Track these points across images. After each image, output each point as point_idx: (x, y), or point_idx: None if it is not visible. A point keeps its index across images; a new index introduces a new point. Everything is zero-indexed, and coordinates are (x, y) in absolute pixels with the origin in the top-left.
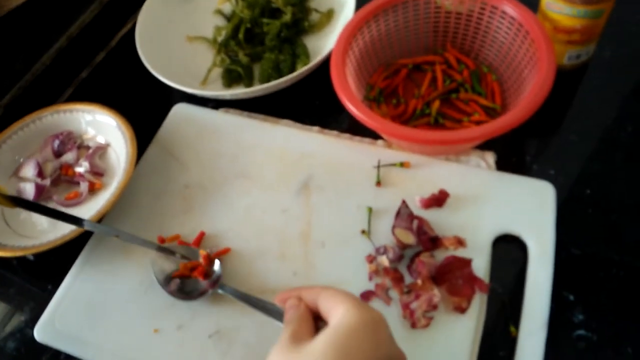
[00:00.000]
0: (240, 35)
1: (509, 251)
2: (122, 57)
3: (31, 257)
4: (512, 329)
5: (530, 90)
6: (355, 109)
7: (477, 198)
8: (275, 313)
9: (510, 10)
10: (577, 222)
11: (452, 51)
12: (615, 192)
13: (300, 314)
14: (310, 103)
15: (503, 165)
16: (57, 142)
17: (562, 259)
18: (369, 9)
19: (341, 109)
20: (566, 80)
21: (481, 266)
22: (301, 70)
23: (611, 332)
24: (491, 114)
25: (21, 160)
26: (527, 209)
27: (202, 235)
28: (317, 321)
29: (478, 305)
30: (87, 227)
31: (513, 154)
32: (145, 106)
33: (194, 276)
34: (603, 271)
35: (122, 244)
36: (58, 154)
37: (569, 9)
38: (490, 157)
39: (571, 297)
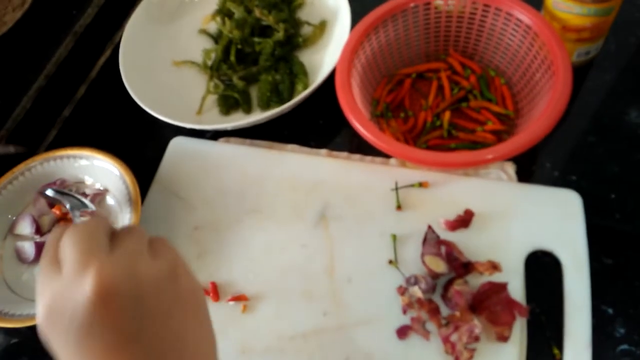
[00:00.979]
0: (232, 58)
1: (542, 267)
2: (105, 87)
3: None
4: (556, 351)
5: (550, 97)
6: (374, 137)
7: (503, 214)
8: None
9: (516, 11)
10: (605, 229)
11: (456, 55)
12: None
13: None
14: (314, 122)
15: (523, 175)
16: None
17: (595, 270)
18: (368, 21)
19: (346, 125)
20: (575, 77)
21: (517, 287)
22: (303, 94)
23: None
24: (504, 120)
25: (13, 217)
26: (556, 221)
27: (214, 286)
28: None
29: (519, 329)
30: None
31: (532, 162)
32: (137, 139)
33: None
34: (638, 280)
35: None
36: (53, 205)
37: (578, 8)
38: (510, 168)
39: (610, 311)
